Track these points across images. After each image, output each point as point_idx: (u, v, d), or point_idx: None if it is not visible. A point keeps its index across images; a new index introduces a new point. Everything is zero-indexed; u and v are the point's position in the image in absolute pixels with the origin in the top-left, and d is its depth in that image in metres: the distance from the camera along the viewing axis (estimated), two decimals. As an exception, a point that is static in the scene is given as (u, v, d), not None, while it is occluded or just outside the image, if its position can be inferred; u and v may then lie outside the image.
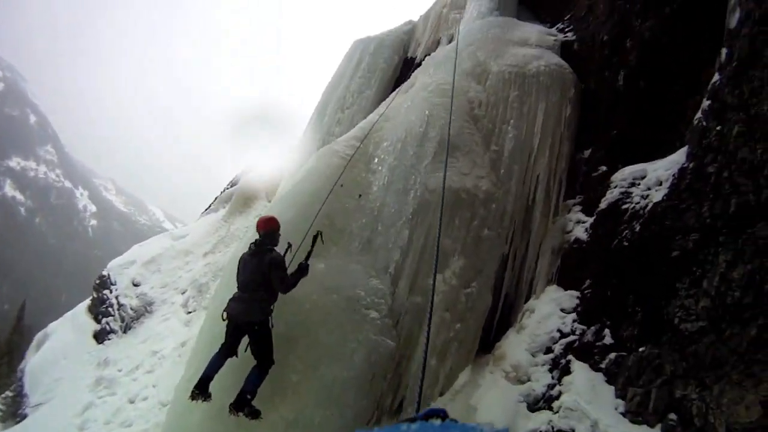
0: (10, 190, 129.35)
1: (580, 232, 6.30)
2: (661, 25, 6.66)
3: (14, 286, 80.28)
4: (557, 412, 4.85)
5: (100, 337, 10.45)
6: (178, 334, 9.31)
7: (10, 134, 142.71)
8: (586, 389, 4.91)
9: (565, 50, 8.23)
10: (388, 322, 5.31)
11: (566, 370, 5.24)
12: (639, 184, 5.87)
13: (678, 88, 6.28)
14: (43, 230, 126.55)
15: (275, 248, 4.70)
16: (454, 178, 6.07)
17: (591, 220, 6.28)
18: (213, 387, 4.35)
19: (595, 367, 5.11)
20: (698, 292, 4.42)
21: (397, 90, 8.41)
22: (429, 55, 9.18)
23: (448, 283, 5.72)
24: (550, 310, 5.91)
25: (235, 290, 4.57)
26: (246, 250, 4.73)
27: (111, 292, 11.21)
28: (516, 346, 5.79)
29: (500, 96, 7.08)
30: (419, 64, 9.33)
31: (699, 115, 5.31)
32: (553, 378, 5.29)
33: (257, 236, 4.71)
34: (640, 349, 4.75)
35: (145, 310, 10.55)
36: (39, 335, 11.82)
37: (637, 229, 5.47)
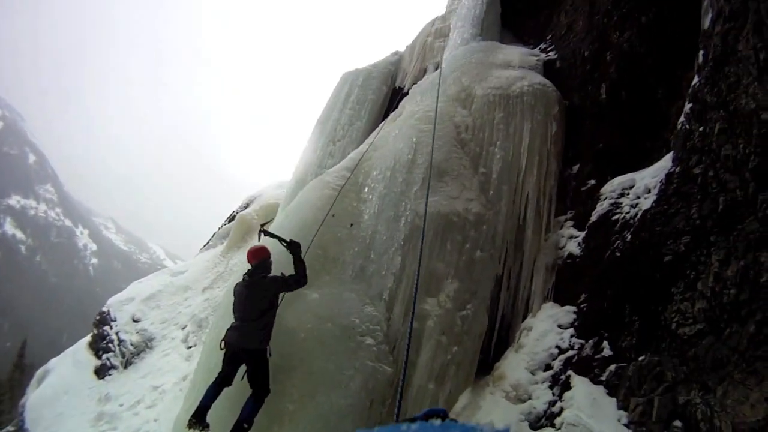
0: (10, 228, 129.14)
1: (573, 247, 6.30)
2: (638, 36, 6.76)
3: (15, 323, 79.84)
4: (559, 428, 4.77)
5: (101, 372, 10.49)
6: (178, 369, 9.31)
7: (10, 173, 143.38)
8: (587, 403, 4.85)
9: (548, 69, 8.36)
10: (384, 348, 5.31)
11: (567, 386, 5.18)
12: (628, 194, 5.88)
13: (660, 96, 6.34)
14: (44, 268, 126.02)
15: (268, 276, 4.80)
16: (444, 203, 6.14)
17: (583, 234, 6.28)
18: (210, 417, 4.36)
19: (595, 381, 5.05)
20: (694, 295, 4.39)
21: (385, 120, 8.55)
22: (416, 83, 9.32)
23: (443, 306, 5.72)
24: (547, 327, 5.89)
25: (232, 320, 4.64)
26: (240, 280, 4.83)
27: (111, 328, 11.25)
28: (515, 365, 5.75)
29: (486, 119, 7.18)
30: (407, 94, 9.43)
31: (682, 119, 5.34)
32: (553, 394, 5.23)
33: (250, 267, 4.82)
34: (640, 358, 4.68)
35: (145, 345, 10.59)
36: (40, 371, 11.78)
37: (629, 238, 5.45)
